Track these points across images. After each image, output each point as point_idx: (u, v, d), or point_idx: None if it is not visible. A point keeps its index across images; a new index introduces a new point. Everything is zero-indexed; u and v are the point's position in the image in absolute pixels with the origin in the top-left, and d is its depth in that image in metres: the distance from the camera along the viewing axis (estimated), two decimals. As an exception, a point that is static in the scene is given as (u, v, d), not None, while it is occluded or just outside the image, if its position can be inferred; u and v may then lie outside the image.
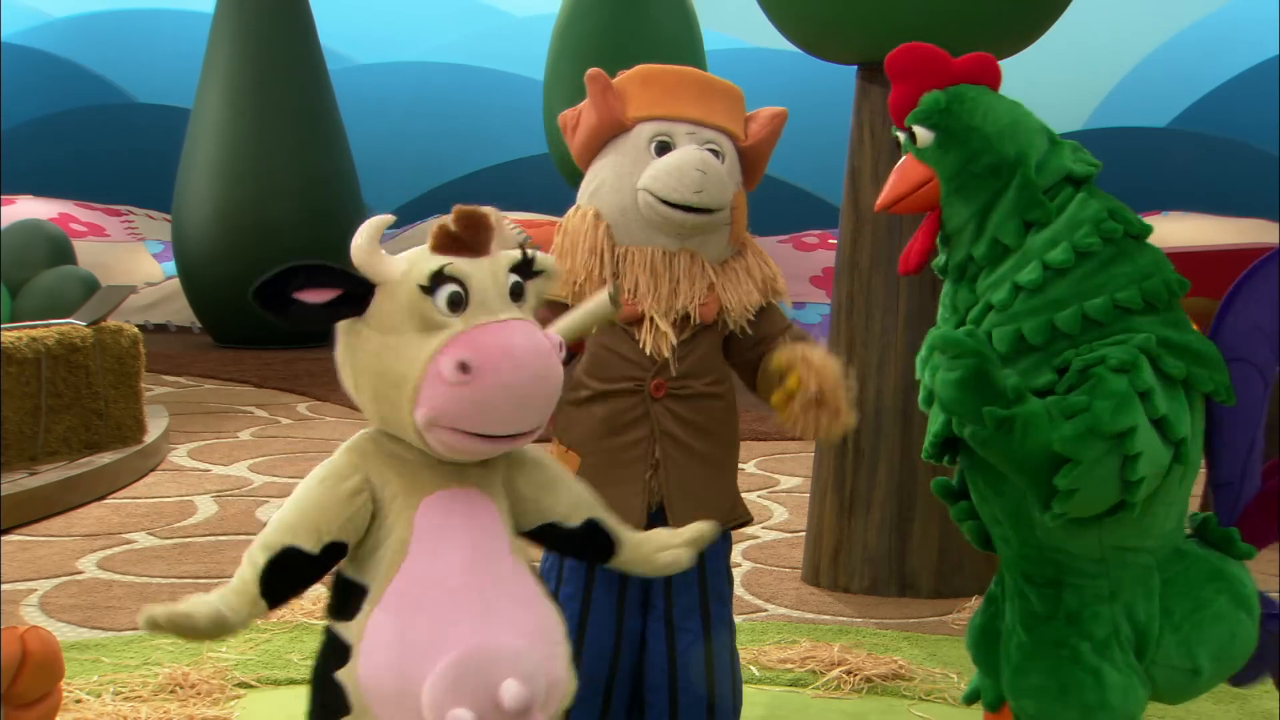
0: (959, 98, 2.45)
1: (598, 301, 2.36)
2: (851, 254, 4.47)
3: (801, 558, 4.67)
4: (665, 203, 2.55)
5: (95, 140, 14.05)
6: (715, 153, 2.60)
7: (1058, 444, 2.21)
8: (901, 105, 2.48)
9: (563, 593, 2.70)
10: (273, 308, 2.05)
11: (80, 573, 4.64)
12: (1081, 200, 2.41)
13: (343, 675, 2.08)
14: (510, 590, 2.13)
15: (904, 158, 2.49)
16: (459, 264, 2.08)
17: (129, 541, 5.04)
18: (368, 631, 2.07)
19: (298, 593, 2.10)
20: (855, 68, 4.50)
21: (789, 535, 5.05)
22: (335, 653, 2.10)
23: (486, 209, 2.13)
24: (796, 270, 10.27)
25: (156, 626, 1.98)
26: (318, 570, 2.09)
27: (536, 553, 2.41)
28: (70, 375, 5.80)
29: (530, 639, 2.11)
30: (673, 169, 2.54)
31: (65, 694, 3.32)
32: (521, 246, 2.18)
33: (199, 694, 3.45)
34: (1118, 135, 13.53)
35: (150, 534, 5.14)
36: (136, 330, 6.25)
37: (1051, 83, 13.38)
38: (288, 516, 2.09)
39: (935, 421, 2.47)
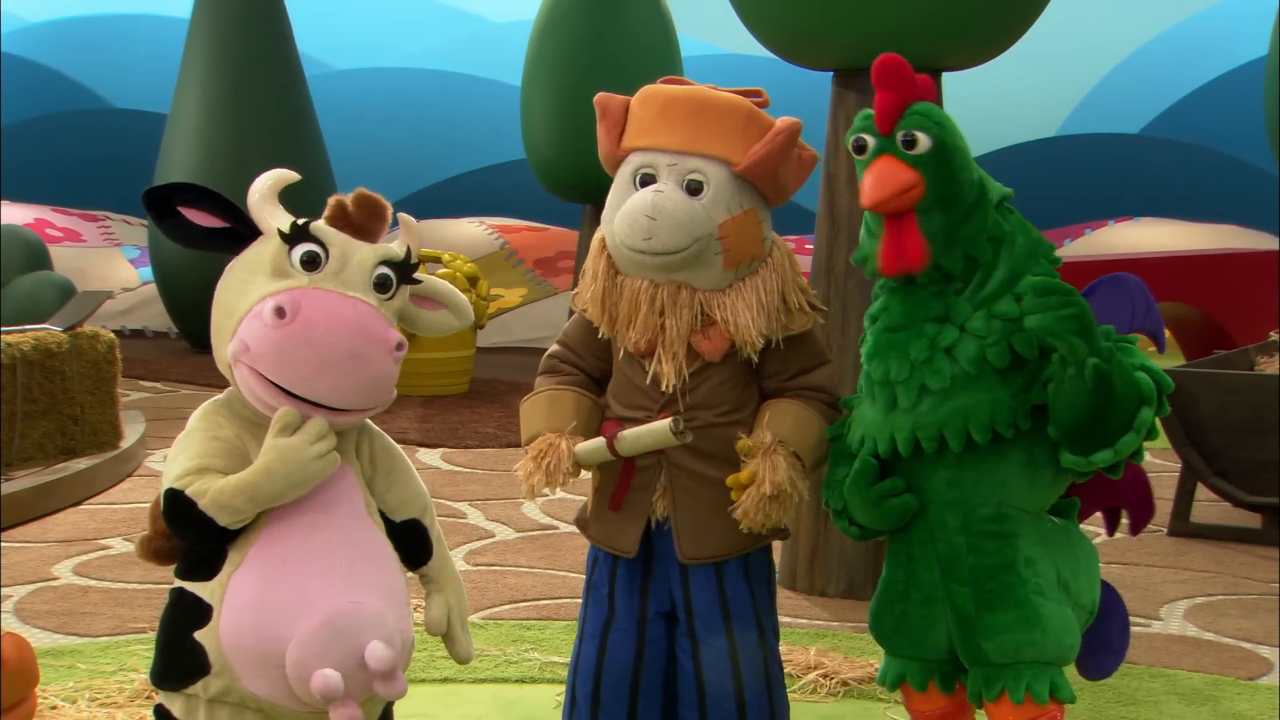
0: (941, 113, 2.57)
1: (659, 426, 2.49)
2: (827, 259, 4.50)
3: (779, 562, 4.69)
4: (624, 245, 2.55)
5: (72, 145, 13.99)
6: (697, 185, 2.54)
7: (1145, 386, 2.48)
8: (890, 110, 2.53)
9: (592, 599, 2.73)
10: (156, 212, 2.16)
11: (56, 579, 4.63)
12: (1021, 219, 2.62)
13: (203, 635, 2.12)
14: (367, 552, 2.18)
15: (883, 159, 2.53)
16: (326, 228, 2.18)
17: (105, 547, 5.03)
18: (230, 592, 2.11)
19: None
20: (831, 74, 4.53)
21: (766, 539, 5.07)
22: (192, 613, 2.14)
23: (376, 196, 2.23)
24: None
25: None
26: (194, 555, 2.17)
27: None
28: (46, 381, 5.79)
29: (387, 601, 2.16)
30: (625, 214, 2.53)
31: (40, 700, 3.31)
32: (417, 257, 2.27)
33: (175, 699, 3.45)
34: (1091, 141, 13.61)
35: (126, 540, 5.13)
36: (113, 336, 6.24)
37: (1025, 89, 13.45)
38: (187, 465, 2.14)
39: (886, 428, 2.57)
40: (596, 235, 2.67)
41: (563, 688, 2.86)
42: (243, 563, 2.13)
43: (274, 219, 2.21)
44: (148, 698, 3.47)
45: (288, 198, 2.34)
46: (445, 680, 3.72)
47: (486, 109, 14.06)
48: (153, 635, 3.96)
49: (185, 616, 2.16)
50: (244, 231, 2.21)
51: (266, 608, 2.10)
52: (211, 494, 2.11)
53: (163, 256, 10.06)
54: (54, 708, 3.40)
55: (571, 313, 2.76)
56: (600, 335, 2.66)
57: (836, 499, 2.68)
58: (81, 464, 5.82)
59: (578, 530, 2.81)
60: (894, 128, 2.52)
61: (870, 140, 2.54)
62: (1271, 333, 6.43)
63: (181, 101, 10.03)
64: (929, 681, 2.68)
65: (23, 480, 5.49)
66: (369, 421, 2.37)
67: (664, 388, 2.58)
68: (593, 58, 8.78)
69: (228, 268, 2.24)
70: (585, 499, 2.78)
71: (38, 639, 3.99)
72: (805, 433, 2.62)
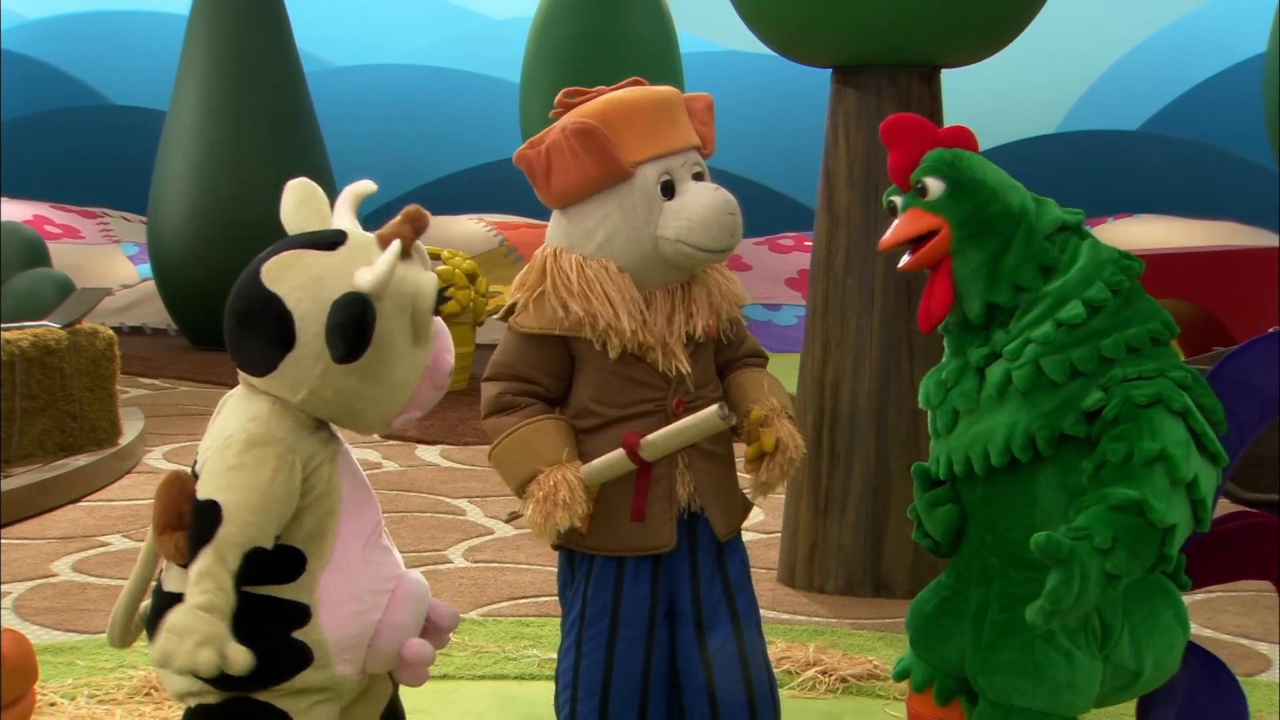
0: (958, 154, 2.58)
1: (706, 416, 2.50)
2: (826, 256, 4.50)
3: (777, 559, 4.69)
4: (704, 250, 2.58)
5: (70, 142, 13.99)
6: (699, 176, 2.62)
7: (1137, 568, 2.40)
8: (902, 166, 2.58)
9: (589, 611, 2.69)
10: (361, 349, 2.14)
11: (55, 575, 4.63)
12: (1092, 244, 2.57)
13: (305, 634, 2.21)
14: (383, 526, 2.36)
15: (905, 214, 2.58)
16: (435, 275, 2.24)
17: (104, 544, 5.03)
18: (323, 591, 2.22)
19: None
20: (830, 70, 4.53)
21: (765, 536, 5.07)
22: (287, 616, 2.20)
23: (419, 209, 2.27)
24: (772, 272, 10.30)
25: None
26: (271, 561, 2.21)
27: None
28: (45, 378, 5.78)
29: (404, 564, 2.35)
30: (708, 220, 2.55)
31: (39, 697, 3.31)
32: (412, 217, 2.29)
33: (174, 696, 3.45)
34: (1090, 138, 13.61)
35: (125, 536, 5.13)
36: (112, 332, 6.24)
37: (1024, 87, 13.45)
38: (253, 518, 2.15)
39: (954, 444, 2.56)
40: (599, 265, 2.59)
41: (562, 685, 2.84)
42: (330, 560, 2.24)
43: (366, 281, 2.17)
44: (146, 694, 3.47)
45: (279, 194, 2.31)
46: (444, 677, 3.72)
47: (485, 106, 14.05)
48: (152, 632, 3.98)
49: (281, 620, 2.21)
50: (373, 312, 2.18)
51: (359, 597, 2.23)
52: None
53: (162, 253, 10.05)
54: (53, 704, 3.40)
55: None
56: (567, 345, 2.63)
57: (911, 510, 2.71)
58: (80, 461, 5.82)
59: (567, 545, 2.72)
60: (910, 182, 2.57)
61: (898, 200, 2.60)
62: (1271, 329, 6.43)
63: (180, 98, 10.02)
64: (928, 687, 2.66)
65: (22, 477, 5.49)
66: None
67: (684, 373, 2.62)
68: (592, 55, 8.78)
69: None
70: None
71: (37, 636, 3.99)
72: (786, 395, 2.75)
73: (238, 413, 2.26)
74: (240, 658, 2.13)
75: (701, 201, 2.55)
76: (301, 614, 2.21)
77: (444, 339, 2.29)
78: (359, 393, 2.21)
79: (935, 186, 2.54)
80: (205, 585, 2.13)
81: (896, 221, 2.60)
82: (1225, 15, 13.94)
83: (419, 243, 2.27)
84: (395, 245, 2.18)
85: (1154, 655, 2.54)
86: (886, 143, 2.59)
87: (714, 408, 2.49)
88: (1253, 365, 2.57)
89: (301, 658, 2.21)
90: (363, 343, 2.13)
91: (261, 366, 2.22)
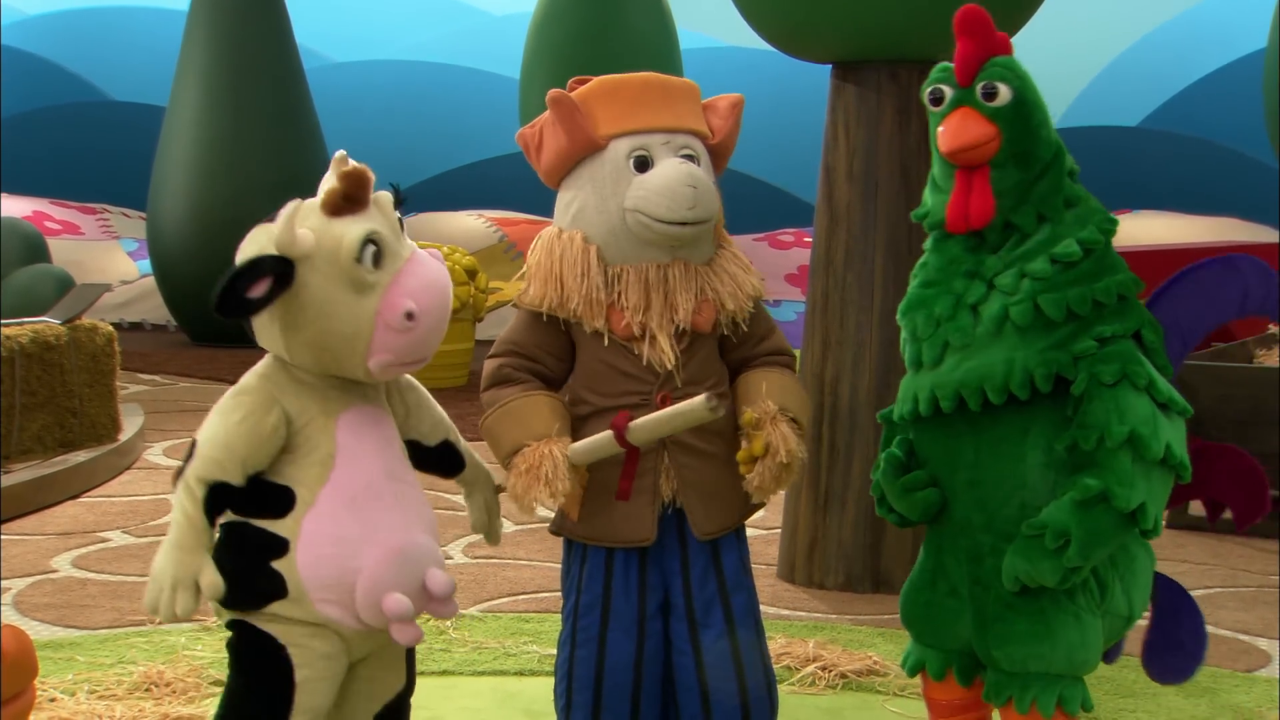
0: (1022, 68, 2.55)
1: (692, 406, 2.44)
2: (826, 252, 4.50)
3: (777, 554, 4.69)
4: (661, 221, 2.55)
5: (70, 138, 13.99)
6: (692, 158, 2.59)
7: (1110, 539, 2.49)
8: (971, 59, 2.52)
9: (582, 601, 2.69)
10: (238, 312, 2.32)
11: (55, 571, 4.63)
12: (1085, 193, 2.59)
13: (281, 565, 2.38)
14: (413, 492, 2.47)
15: (961, 110, 2.51)
16: (376, 228, 2.35)
17: (104, 540, 5.03)
18: (305, 529, 2.37)
19: (221, 514, 2.41)
20: (830, 66, 4.52)
21: (764, 532, 5.08)
22: (267, 546, 2.38)
23: (362, 165, 2.40)
24: (772, 268, 10.31)
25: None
26: (241, 494, 2.39)
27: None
28: (45, 374, 5.78)
29: (431, 534, 2.46)
30: (664, 189, 2.53)
31: (39, 693, 3.32)
32: (394, 189, 2.48)
33: (173, 692, 3.45)
34: (1089, 134, 13.61)
35: (125, 532, 5.14)
36: (111, 328, 6.24)
37: (1025, 82, 13.44)
38: (216, 454, 2.36)
39: (913, 402, 2.57)
40: (565, 237, 2.61)
41: (562, 681, 2.85)
42: (315, 503, 2.38)
43: (303, 243, 2.33)
44: (146, 690, 3.47)
45: (289, 194, 2.45)
46: (444, 673, 3.72)
47: (485, 101, 14.06)
48: (151, 629, 3.99)
49: (261, 549, 2.39)
50: (287, 270, 2.33)
51: (340, 543, 2.36)
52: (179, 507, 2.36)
53: (161, 249, 10.05)
54: (53, 700, 3.40)
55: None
56: (566, 329, 2.63)
57: (875, 487, 2.70)
58: (80, 457, 5.82)
59: (557, 535, 2.76)
60: (974, 79, 2.51)
61: (948, 91, 2.54)
62: (1270, 325, 6.42)
63: (180, 94, 10.02)
64: (947, 671, 2.67)
65: (21, 473, 5.49)
66: None
67: (669, 367, 2.58)
68: (591, 51, 8.78)
69: (289, 305, 2.34)
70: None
71: (37, 631, 3.99)
72: (797, 397, 2.66)
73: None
74: (213, 583, 2.33)
75: (661, 173, 2.54)
76: (281, 546, 2.37)
77: (401, 283, 2.34)
78: (320, 344, 2.36)
79: (1005, 94, 2.49)
80: (174, 518, 2.35)
81: (951, 117, 2.51)
82: (1225, 11, 13.93)
83: (379, 194, 2.42)
84: (289, 206, 2.35)
85: (1140, 597, 2.62)
86: (961, 31, 2.52)
87: (701, 398, 2.43)
88: (1176, 305, 2.62)
89: (275, 586, 2.38)
90: (230, 301, 2.28)
91: (250, 335, 2.43)
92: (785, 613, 4.28)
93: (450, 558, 4.87)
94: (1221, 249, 9.31)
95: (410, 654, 2.58)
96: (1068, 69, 13.90)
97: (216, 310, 2.30)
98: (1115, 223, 2.58)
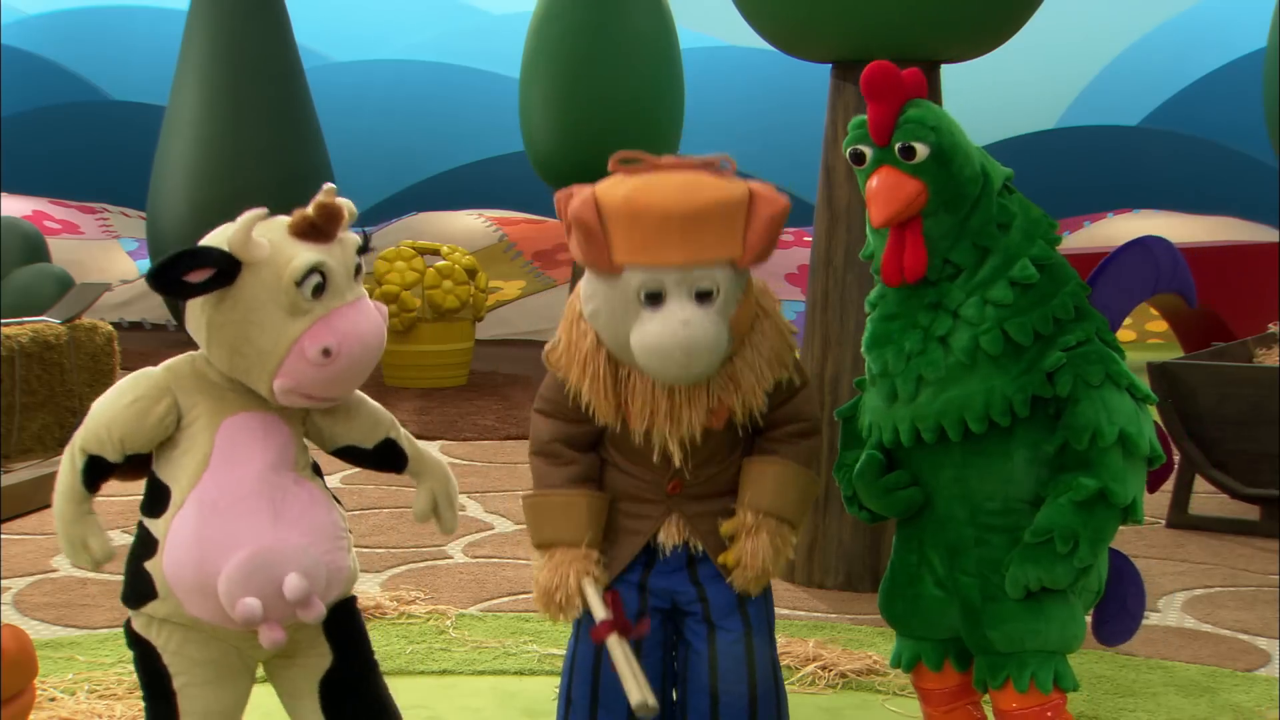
0: (936, 113, 2.57)
1: (632, 691, 2.44)
2: (826, 251, 4.50)
3: (776, 554, 4.69)
4: (659, 377, 2.51)
5: (70, 137, 13.99)
6: (707, 292, 2.45)
7: (1107, 532, 2.56)
8: (884, 122, 2.54)
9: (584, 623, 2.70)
10: (169, 291, 2.38)
11: (54, 571, 4.63)
12: (1021, 199, 2.62)
13: (151, 565, 2.45)
14: (296, 497, 2.47)
15: (883, 171, 2.54)
16: (326, 260, 2.41)
17: (104, 540, 5.03)
18: (171, 529, 2.43)
19: (105, 481, 2.53)
20: (830, 66, 4.52)
21: (764, 532, 5.07)
22: (145, 545, 2.47)
23: (342, 201, 2.44)
24: (771, 267, 10.27)
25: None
26: (118, 469, 2.50)
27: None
28: (44, 373, 5.79)
29: (312, 537, 2.46)
30: (655, 350, 2.43)
31: (39, 692, 3.32)
32: (364, 235, 2.53)
33: (174, 691, 3.46)
34: (1090, 134, 13.62)
35: (124, 532, 5.13)
36: (111, 328, 6.24)
37: (1024, 82, 13.45)
38: (98, 430, 2.47)
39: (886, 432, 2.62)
40: (581, 330, 2.57)
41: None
42: (182, 505, 2.44)
43: (257, 251, 2.40)
44: (147, 690, 3.48)
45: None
46: (444, 672, 3.72)
47: (485, 101, 14.05)
48: (151, 627, 3.99)
49: (140, 548, 2.48)
50: (230, 268, 2.39)
51: (201, 544, 2.41)
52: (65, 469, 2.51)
53: (161, 249, 10.05)
54: (53, 699, 3.40)
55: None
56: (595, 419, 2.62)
57: (847, 485, 2.72)
58: (80, 456, 5.82)
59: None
60: (890, 139, 2.53)
61: (868, 151, 2.56)
62: (1270, 325, 6.43)
63: (180, 94, 10.02)
64: (944, 660, 2.71)
65: (21, 472, 5.49)
66: None
67: (676, 464, 2.59)
68: (591, 50, 8.77)
69: (222, 301, 2.41)
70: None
71: (37, 631, 3.99)
72: (786, 493, 2.63)
73: None
74: (102, 548, 2.49)
75: (655, 331, 2.43)
76: (151, 546, 2.45)
77: (331, 321, 2.39)
78: (236, 348, 2.41)
79: (923, 151, 2.52)
80: (59, 481, 2.49)
81: (875, 184, 2.54)
82: (1225, 10, 13.93)
83: (348, 233, 2.46)
84: (250, 213, 2.40)
85: (1105, 570, 2.69)
86: (867, 94, 2.53)
87: (643, 699, 2.42)
88: (1100, 294, 2.66)
89: (146, 586, 2.46)
90: (166, 278, 2.36)
91: (179, 317, 2.57)
92: (785, 612, 4.28)
93: (450, 557, 4.88)
94: (1221, 249, 9.32)
95: (337, 629, 2.58)
96: (1068, 68, 13.91)
97: (149, 281, 2.39)
98: (1056, 226, 2.62)
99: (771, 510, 2.62)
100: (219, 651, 2.50)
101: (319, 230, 2.42)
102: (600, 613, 2.55)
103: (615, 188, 2.46)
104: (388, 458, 2.65)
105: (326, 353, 2.38)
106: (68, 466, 2.50)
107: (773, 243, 2.49)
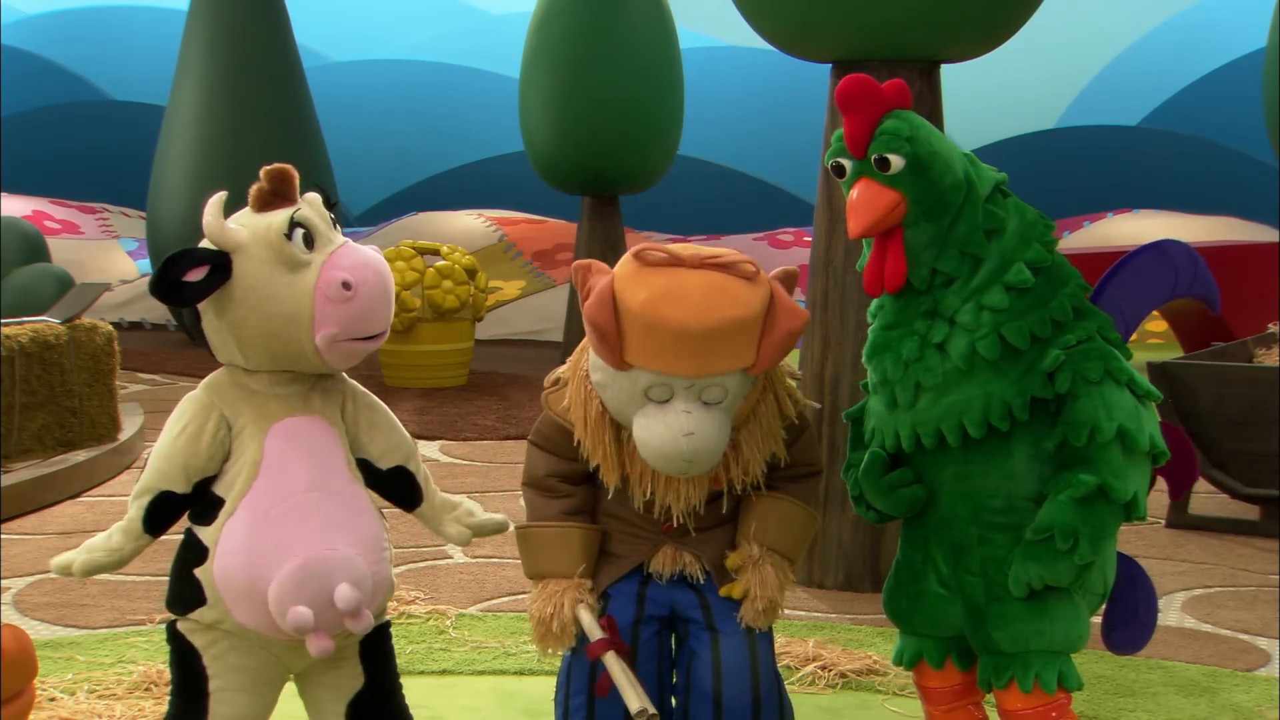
0: (913, 123, 2.57)
1: (632, 701, 2.51)
2: (826, 251, 4.50)
3: (776, 554, 4.69)
4: (661, 470, 2.54)
5: (70, 137, 13.99)
6: (716, 398, 2.47)
7: (1109, 531, 2.56)
8: (860, 135, 2.56)
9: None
10: (175, 297, 2.42)
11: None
12: (1016, 203, 2.62)
13: (200, 572, 2.46)
14: (345, 504, 2.50)
15: (861, 183, 2.56)
16: (302, 211, 2.46)
17: (104, 540, 5.03)
18: (222, 537, 2.45)
19: (176, 521, 2.51)
20: (830, 65, 4.52)
21: (764, 532, 5.08)
22: (194, 552, 2.47)
23: (285, 165, 2.51)
24: (772, 267, 10.29)
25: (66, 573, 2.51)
26: (192, 502, 2.49)
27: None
28: (44, 373, 5.79)
29: (360, 548, 2.48)
30: (658, 452, 2.46)
31: (39, 692, 3.32)
32: (321, 190, 2.57)
33: (174, 691, 3.46)
34: (1089, 134, 13.63)
35: (124, 532, 5.13)
36: (111, 328, 6.24)
37: (1023, 81, 13.46)
38: (160, 465, 2.48)
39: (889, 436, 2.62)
40: (587, 394, 2.57)
41: (562, 680, 2.86)
42: (234, 512, 2.45)
43: (237, 236, 2.45)
44: (146, 689, 3.48)
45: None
46: (444, 672, 3.72)
47: (485, 101, 14.06)
48: (151, 628, 3.99)
49: (189, 555, 2.48)
50: (223, 261, 2.44)
51: (252, 552, 2.42)
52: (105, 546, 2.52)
53: (161, 249, 10.05)
54: (53, 699, 3.40)
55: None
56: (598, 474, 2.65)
57: (854, 484, 2.74)
58: (80, 456, 5.82)
59: None
60: (866, 151, 2.55)
61: (848, 164, 2.58)
62: (1270, 325, 6.43)
63: (179, 93, 10.02)
64: (946, 659, 2.72)
65: (21, 472, 5.49)
66: (350, 380, 2.63)
67: (675, 522, 2.62)
68: (591, 50, 8.77)
69: (231, 299, 2.44)
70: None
71: (37, 631, 3.99)
72: (790, 529, 2.68)
73: None
74: (82, 563, 2.50)
75: (659, 434, 2.44)
76: (202, 553, 2.46)
77: (335, 260, 2.43)
78: (267, 330, 2.42)
79: (897, 162, 2.53)
80: (120, 527, 2.49)
81: (854, 196, 2.57)
82: (1225, 10, 13.94)
83: (309, 194, 2.51)
84: (213, 199, 2.45)
85: (1110, 573, 2.69)
86: (844, 109, 2.54)
87: (642, 708, 2.49)
88: (1122, 291, 2.68)
89: (195, 592, 2.46)
90: (165, 284, 2.40)
91: (209, 349, 2.53)
92: (785, 612, 4.25)
93: (450, 557, 4.88)
94: (1221, 249, 9.32)
95: (371, 652, 2.61)
96: (1068, 69, 13.91)
97: (153, 292, 2.41)
98: (1053, 228, 2.62)
99: (775, 545, 2.68)
100: (259, 660, 2.51)
101: (279, 194, 2.47)
102: (596, 635, 2.58)
103: (634, 289, 2.42)
104: (399, 487, 2.64)
105: (346, 285, 2.41)
106: (126, 517, 2.49)
107: (784, 354, 2.51)
